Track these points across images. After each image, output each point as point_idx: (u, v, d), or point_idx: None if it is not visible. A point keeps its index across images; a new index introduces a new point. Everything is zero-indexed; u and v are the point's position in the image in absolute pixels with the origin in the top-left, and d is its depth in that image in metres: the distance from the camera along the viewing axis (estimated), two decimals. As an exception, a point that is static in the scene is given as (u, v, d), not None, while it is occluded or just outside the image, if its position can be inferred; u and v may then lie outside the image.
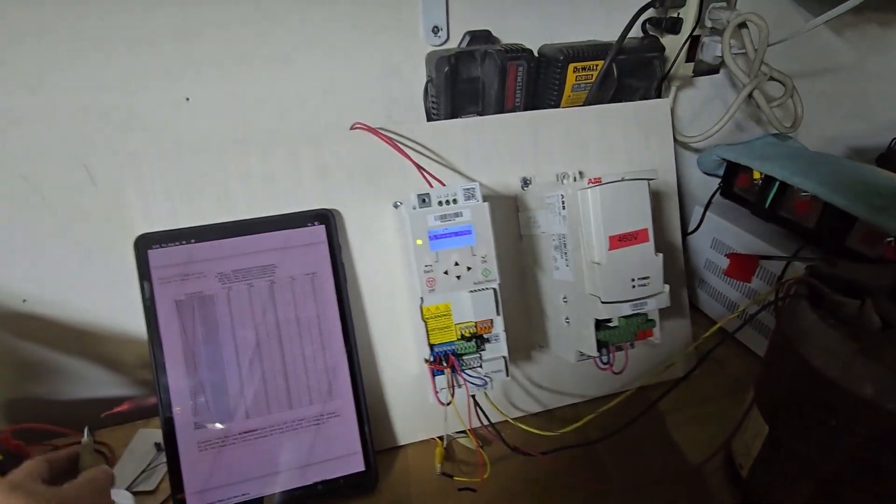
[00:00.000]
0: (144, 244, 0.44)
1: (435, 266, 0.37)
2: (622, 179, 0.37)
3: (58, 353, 0.55)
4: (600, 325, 0.40)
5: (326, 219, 0.47)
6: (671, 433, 0.51)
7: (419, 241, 0.36)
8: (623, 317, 0.39)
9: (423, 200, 0.38)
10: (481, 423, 0.45)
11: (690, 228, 0.65)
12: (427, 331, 0.38)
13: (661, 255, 0.39)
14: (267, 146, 0.46)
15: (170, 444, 0.43)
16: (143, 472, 0.49)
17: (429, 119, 0.53)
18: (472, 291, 0.38)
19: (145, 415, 0.51)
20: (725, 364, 0.59)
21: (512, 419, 0.44)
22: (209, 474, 0.44)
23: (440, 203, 0.38)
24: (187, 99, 0.47)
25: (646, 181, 0.38)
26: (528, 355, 0.52)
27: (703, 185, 0.70)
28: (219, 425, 0.44)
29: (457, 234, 0.37)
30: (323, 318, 0.46)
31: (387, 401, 0.50)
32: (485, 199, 0.39)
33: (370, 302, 0.49)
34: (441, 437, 0.51)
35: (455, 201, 0.38)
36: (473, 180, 0.49)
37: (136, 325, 0.55)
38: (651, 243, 0.38)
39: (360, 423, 0.46)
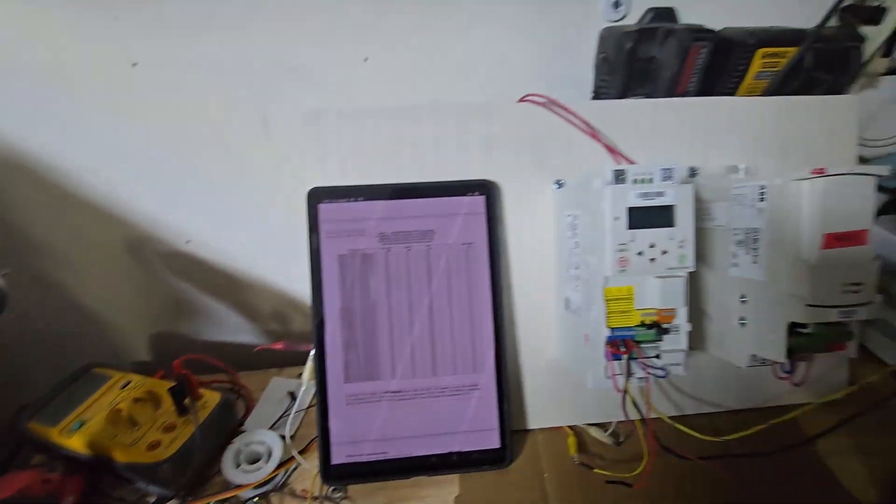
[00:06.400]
0: (316, 197, 0.45)
1: (630, 246, 0.35)
2: (849, 173, 0.34)
3: (206, 295, 0.58)
4: (790, 330, 0.36)
5: (488, 190, 0.46)
6: (824, 458, 0.47)
7: (616, 217, 0.35)
8: (820, 324, 0.36)
9: (619, 177, 0.36)
10: (626, 416, 0.44)
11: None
12: (607, 313, 0.36)
13: (878, 261, 0.35)
14: (439, 113, 0.46)
15: (321, 394, 0.44)
16: (280, 417, 0.50)
17: (595, 97, 0.51)
18: (659, 277, 0.36)
19: (290, 359, 0.53)
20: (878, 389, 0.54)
21: (668, 418, 0.41)
22: (353, 428, 0.44)
23: (634, 181, 0.36)
24: (365, 59, 0.47)
25: (872, 177, 0.34)
26: (674, 355, 0.49)
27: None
28: (367, 381, 0.45)
29: (656, 214, 0.35)
30: (474, 289, 0.46)
31: (522, 382, 0.49)
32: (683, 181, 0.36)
33: (517, 280, 0.48)
34: (571, 427, 0.49)
35: (650, 181, 0.36)
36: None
37: (277, 275, 0.58)
38: (870, 247, 0.35)
39: (499, 399, 0.46)
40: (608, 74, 0.48)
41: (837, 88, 0.52)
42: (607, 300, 0.36)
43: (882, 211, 0.59)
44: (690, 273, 0.44)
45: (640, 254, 0.35)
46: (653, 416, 0.43)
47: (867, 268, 0.35)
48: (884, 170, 0.34)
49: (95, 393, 0.47)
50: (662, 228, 0.35)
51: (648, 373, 0.35)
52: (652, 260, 0.35)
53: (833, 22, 0.51)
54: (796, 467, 0.45)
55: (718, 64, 0.49)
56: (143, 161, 0.49)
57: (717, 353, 0.44)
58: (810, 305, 0.35)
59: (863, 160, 0.61)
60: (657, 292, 0.36)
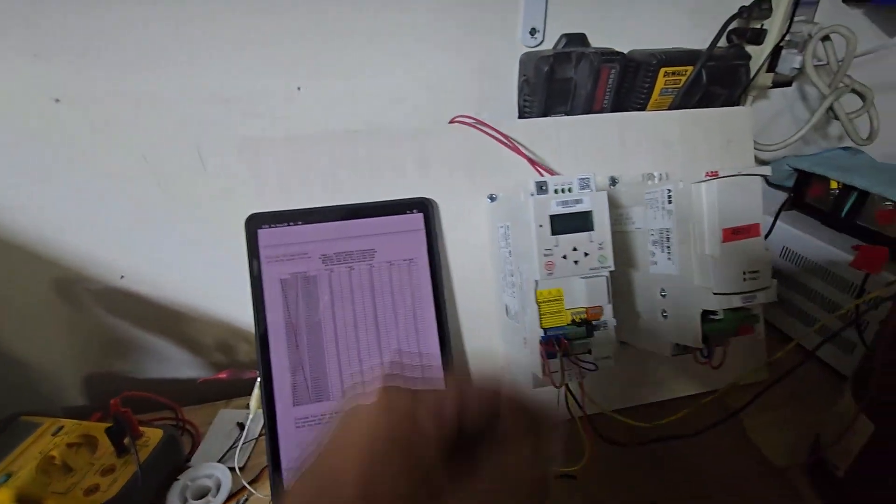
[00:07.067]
0: (255, 224, 0.45)
1: (554, 250, 0.38)
2: (738, 174, 0.38)
3: (144, 332, 0.56)
4: (704, 318, 0.40)
5: (425, 207, 0.48)
6: (750, 434, 0.51)
7: (541, 225, 0.37)
8: (728, 310, 0.39)
9: (541, 188, 0.39)
10: (571, 414, 0.46)
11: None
12: (540, 314, 0.39)
13: (770, 249, 0.39)
14: (374, 137, 0.48)
15: (270, 420, 0.44)
16: (229, 449, 0.49)
17: (521, 116, 0.54)
18: (585, 277, 0.39)
19: (237, 389, 0.52)
20: (798, 372, 0.59)
21: (608, 411, 0.44)
22: (305, 452, 0.44)
23: (556, 191, 0.39)
24: (299, 88, 0.49)
25: (760, 177, 0.39)
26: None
27: (769, 197, 0.70)
28: (316, 403, 0.45)
29: (576, 220, 0.38)
30: (418, 303, 0.47)
31: (471, 390, 0.50)
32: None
33: (460, 292, 0.50)
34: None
35: (570, 190, 0.39)
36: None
37: (219, 305, 0.57)
38: (762, 238, 0.39)
39: (450, 409, 0.47)
40: (530, 95, 0.52)
41: (733, 101, 0.58)
42: (539, 302, 0.39)
43: (784, 208, 0.66)
44: (622, 275, 0.47)
45: (564, 257, 0.38)
46: (595, 410, 0.46)
47: (761, 256, 0.39)
48: (766, 170, 0.39)
49: (24, 442, 0.44)
50: (582, 233, 0.38)
51: (582, 367, 0.38)
52: (576, 262, 0.38)
53: (723, 43, 0.57)
54: (725, 444, 0.49)
55: (628, 82, 0.54)
56: (71, 197, 0.48)
57: (648, 347, 0.48)
58: (716, 294, 0.38)
59: (761, 162, 0.68)
60: (583, 292, 0.38)
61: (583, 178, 0.39)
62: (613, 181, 0.52)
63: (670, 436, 0.44)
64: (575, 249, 0.38)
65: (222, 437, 0.51)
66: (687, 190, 0.40)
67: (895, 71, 0.67)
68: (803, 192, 0.64)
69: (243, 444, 0.49)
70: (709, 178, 0.38)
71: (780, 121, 0.68)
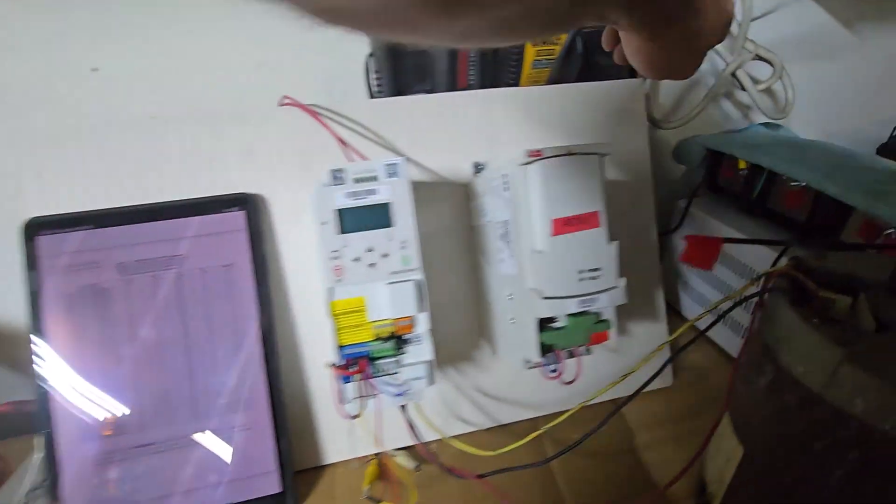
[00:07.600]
0: (33, 230, 0.38)
1: (343, 251, 0.31)
2: (568, 153, 0.32)
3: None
4: (544, 325, 0.34)
5: (248, 203, 0.42)
6: (640, 453, 0.44)
7: (324, 222, 0.31)
8: (571, 315, 0.33)
9: (337, 177, 0.32)
10: (418, 439, 0.39)
11: (673, 226, 0.59)
12: (336, 329, 0.32)
13: (615, 243, 0.33)
14: (186, 123, 0.41)
15: (50, 460, 0.37)
16: (35, 489, 0.43)
17: (372, 97, 0.47)
18: (390, 284, 0.32)
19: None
20: (709, 376, 0.53)
21: (447, 437, 0.37)
22: (96, 495, 0.38)
23: (356, 180, 0.32)
24: (94, 70, 0.42)
25: (596, 156, 0.32)
26: (479, 363, 0.46)
27: (691, 182, 0.64)
28: (110, 437, 0.38)
29: (370, 214, 0.31)
30: (238, 316, 0.41)
31: (313, 413, 0.44)
32: (428, 182, 0.33)
33: (297, 301, 0.43)
34: (376, 455, 0.45)
35: (375, 178, 0.32)
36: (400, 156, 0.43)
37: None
38: (603, 229, 0.32)
39: (276, 437, 0.40)
40: (379, 72, 0.45)
41: (623, 74, 0.51)
42: (336, 315, 0.32)
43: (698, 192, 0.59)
44: (478, 276, 0.41)
45: (356, 260, 0.31)
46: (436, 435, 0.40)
47: (603, 251, 0.33)
48: (606, 147, 0.33)
49: None
50: (379, 230, 0.31)
51: (381, 393, 0.31)
52: (372, 265, 0.31)
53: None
54: (610, 463, 0.42)
55: (492, 55, 0.47)
56: None
57: (505, 357, 0.41)
58: (547, 298, 0.32)
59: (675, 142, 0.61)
60: (386, 300, 0.32)
61: (390, 164, 0.33)
62: (478, 168, 0.45)
63: (520, 465, 0.37)
64: (370, 250, 0.31)
65: (31, 476, 0.44)
66: (516, 174, 0.33)
67: (808, 32, 0.60)
68: (716, 174, 0.57)
69: (33, 490, 0.42)
70: (532, 158, 0.31)
71: (696, 95, 0.62)
